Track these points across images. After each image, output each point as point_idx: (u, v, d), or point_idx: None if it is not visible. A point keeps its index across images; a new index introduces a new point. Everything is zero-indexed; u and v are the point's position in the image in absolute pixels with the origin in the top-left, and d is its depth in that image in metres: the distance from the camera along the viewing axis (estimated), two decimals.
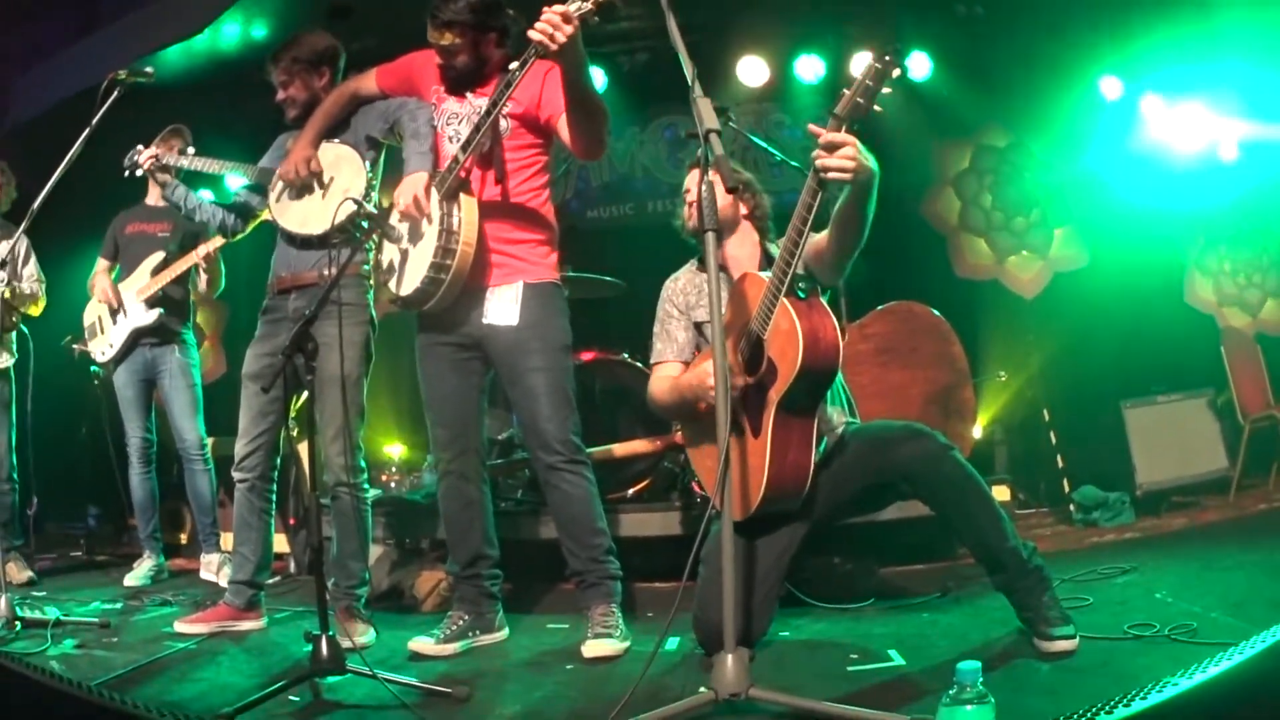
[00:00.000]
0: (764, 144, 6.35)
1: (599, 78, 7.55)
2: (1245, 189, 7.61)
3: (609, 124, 3.64)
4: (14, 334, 5.62)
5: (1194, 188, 7.54)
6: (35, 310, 5.67)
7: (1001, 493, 4.89)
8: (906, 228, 7.57)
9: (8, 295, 5.39)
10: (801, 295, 3.09)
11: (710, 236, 2.71)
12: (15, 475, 5.62)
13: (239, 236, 4.54)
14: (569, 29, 3.15)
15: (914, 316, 5.03)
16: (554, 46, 3.17)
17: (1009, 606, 3.22)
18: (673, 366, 3.63)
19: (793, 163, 6.09)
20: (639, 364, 5.39)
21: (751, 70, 7.90)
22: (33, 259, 5.68)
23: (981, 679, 2.20)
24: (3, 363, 5.59)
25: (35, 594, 5.11)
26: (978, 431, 5.83)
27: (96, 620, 4.19)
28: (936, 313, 5.06)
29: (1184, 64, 7.22)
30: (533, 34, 3.20)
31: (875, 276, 6.21)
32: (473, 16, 3.64)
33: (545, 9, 3.19)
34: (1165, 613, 3.39)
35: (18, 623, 3.94)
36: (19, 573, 5.46)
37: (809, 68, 7.81)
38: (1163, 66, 7.32)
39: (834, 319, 3.09)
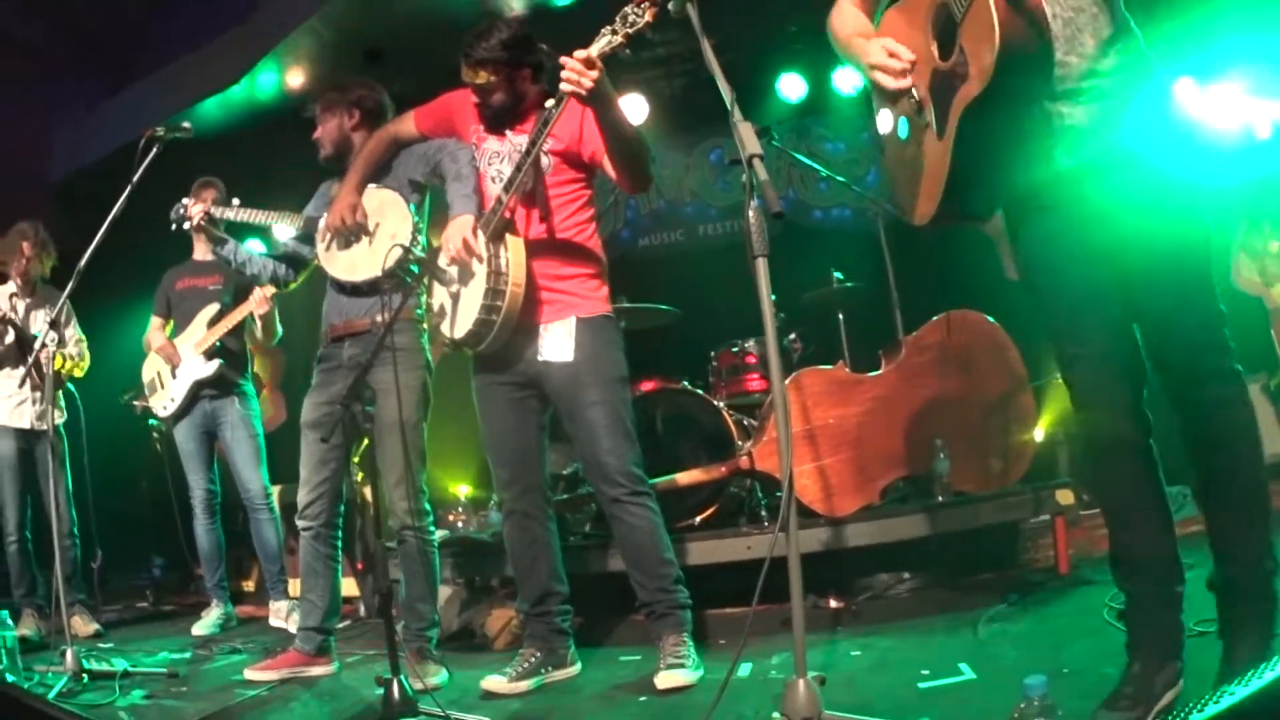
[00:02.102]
0: (808, 160, 6.35)
1: (641, 106, 7.56)
2: None
3: (650, 156, 3.65)
4: (61, 392, 5.71)
5: (1233, 169, 7.42)
6: (79, 372, 5.75)
7: (1065, 496, 4.78)
8: (955, 233, 7.49)
9: (59, 364, 5.47)
10: None
11: (761, 262, 2.63)
12: (76, 530, 5.68)
13: (291, 287, 4.59)
14: (594, 74, 3.19)
15: (968, 325, 4.96)
16: (584, 93, 3.21)
17: (1076, 612, 3.07)
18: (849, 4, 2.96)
19: (839, 177, 6.10)
20: (699, 391, 5.38)
21: (790, 86, 7.92)
22: (74, 320, 5.78)
23: (1047, 691, 2.17)
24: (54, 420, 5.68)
25: (102, 646, 5.15)
26: (1039, 435, 5.74)
27: (165, 670, 4.22)
28: (990, 319, 4.99)
29: (1216, 44, 7.12)
30: (563, 86, 3.23)
31: (927, 283, 6.21)
32: (506, 54, 3.65)
33: (565, 57, 3.21)
34: None
35: (85, 675, 3.92)
36: (85, 625, 5.54)
37: (847, 80, 7.78)
38: (1194, 48, 7.22)
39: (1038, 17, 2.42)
